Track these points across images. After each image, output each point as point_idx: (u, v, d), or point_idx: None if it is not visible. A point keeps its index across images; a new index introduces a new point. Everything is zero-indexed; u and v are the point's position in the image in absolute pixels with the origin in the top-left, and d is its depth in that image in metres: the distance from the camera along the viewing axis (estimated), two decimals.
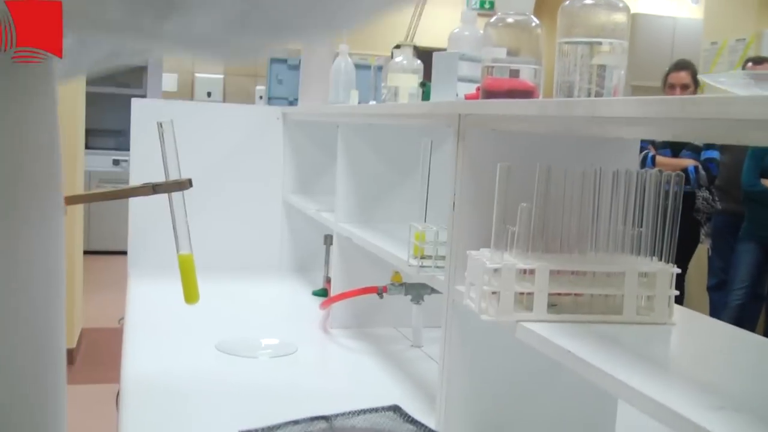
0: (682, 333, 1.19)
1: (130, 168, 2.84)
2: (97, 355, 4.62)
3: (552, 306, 1.19)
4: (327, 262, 2.52)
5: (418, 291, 1.98)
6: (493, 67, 1.36)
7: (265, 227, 2.89)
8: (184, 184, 0.97)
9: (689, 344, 1.19)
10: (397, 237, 1.84)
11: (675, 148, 4.91)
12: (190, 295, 1.08)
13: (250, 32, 0.78)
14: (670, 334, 1.17)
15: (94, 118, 6.98)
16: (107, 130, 7.70)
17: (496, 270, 1.17)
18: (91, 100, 5.40)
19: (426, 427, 0.81)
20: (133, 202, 2.84)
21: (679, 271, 1.20)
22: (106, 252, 7.08)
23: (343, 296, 2.04)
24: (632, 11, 1.11)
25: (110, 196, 1.03)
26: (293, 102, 3.54)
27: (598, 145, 1.36)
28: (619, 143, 1.38)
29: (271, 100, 3.77)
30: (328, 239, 2.48)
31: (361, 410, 0.85)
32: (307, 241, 2.86)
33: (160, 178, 2.87)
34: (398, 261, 1.65)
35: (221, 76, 8.41)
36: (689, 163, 4.85)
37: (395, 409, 0.85)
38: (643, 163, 5.03)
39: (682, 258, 5.01)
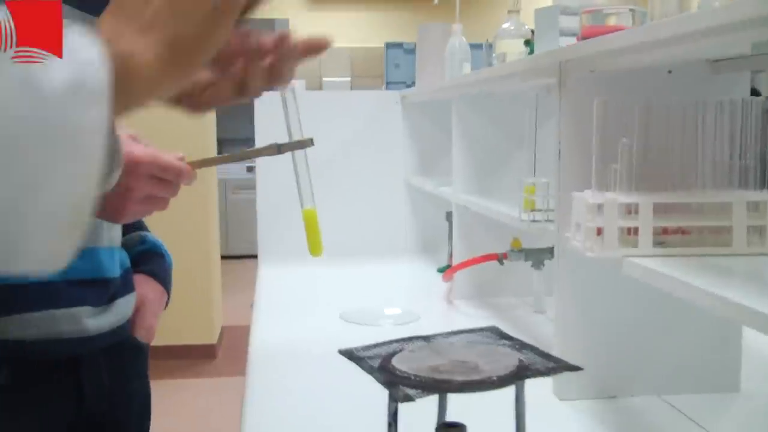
0: None
1: (257, 167, 2.92)
2: (237, 350, 4.76)
3: (659, 244, 1.17)
4: (450, 239, 2.54)
5: (537, 256, 1.97)
6: (590, 14, 1.36)
7: (389, 211, 2.93)
8: (307, 143, 1.01)
9: None
10: (512, 203, 1.85)
11: None
12: (315, 247, 1.12)
13: None
14: None
15: (227, 127, 7.19)
16: (239, 138, 7.92)
17: (599, 207, 1.17)
18: (223, 110, 5.55)
19: (521, 341, 0.82)
20: (262, 198, 2.93)
21: None
22: (243, 256, 7.28)
23: (464, 265, 2.06)
24: None
25: (236, 158, 1.08)
26: (410, 85, 3.56)
27: (704, 82, 1.34)
28: (727, 79, 1.35)
29: (389, 84, 3.81)
30: (449, 216, 2.49)
31: (459, 330, 0.87)
32: (431, 222, 2.88)
33: (285, 172, 2.95)
34: (511, 219, 1.65)
35: (348, 79, 8.54)
36: None
37: (493, 329, 0.86)
38: None
39: None
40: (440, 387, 0.73)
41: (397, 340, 0.84)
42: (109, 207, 0.98)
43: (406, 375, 0.74)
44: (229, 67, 0.82)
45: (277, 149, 0.98)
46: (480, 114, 2.18)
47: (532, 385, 1.50)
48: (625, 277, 1.38)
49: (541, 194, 1.53)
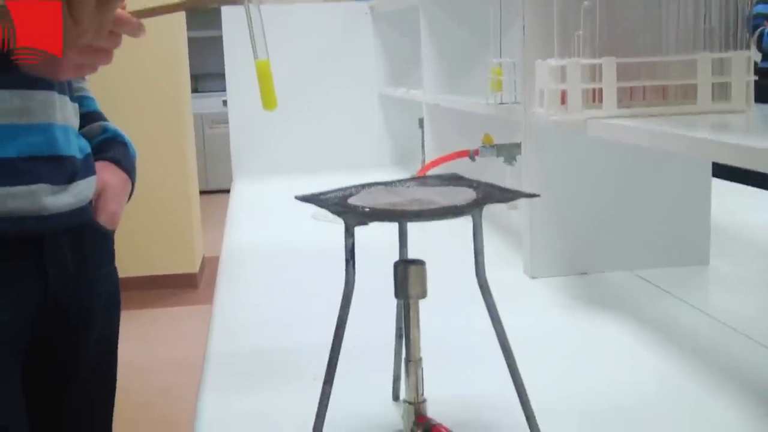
0: (762, 117, 1.15)
1: (227, 83, 2.89)
2: None
3: (624, 108, 1.16)
4: (423, 148, 2.53)
5: (509, 151, 1.96)
6: None
7: (363, 123, 2.91)
8: None
9: None
10: (481, 99, 1.84)
11: None
12: (269, 101, 1.09)
13: None
14: (749, 119, 1.13)
15: (202, 62, 7.13)
16: (215, 73, 7.86)
17: (562, 70, 1.16)
18: (198, 45, 5.50)
19: (479, 181, 0.81)
20: (234, 119, 2.91)
21: (757, 57, 1.16)
22: (223, 190, 7.29)
23: (436, 162, 2.04)
24: None
25: (186, 6, 1.04)
26: None
27: None
28: None
29: None
30: (422, 123, 2.48)
31: (419, 177, 0.86)
32: (404, 133, 2.87)
33: (255, 94, 2.91)
34: (479, 107, 1.64)
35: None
36: None
37: (453, 175, 0.85)
38: (759, 41, 4.86)
39: None
40: (395, 215, 0.72)
41: (355, 186, 0.83)
42: (46, 61, 0.95)
43: (362, 207, 0.73)
44: None
45: None
46: (448, 15, 2.16)
47: (502, 264, 1.50)
48: (594, 151, 1.39)
49: (508, 74, 1.52)
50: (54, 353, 1.19)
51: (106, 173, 1.26)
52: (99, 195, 1.23)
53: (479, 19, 2.14)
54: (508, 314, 0.81)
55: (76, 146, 1.17)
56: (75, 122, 1.19)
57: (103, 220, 1.23)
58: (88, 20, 0.74)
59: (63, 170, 1.12)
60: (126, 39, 1.01)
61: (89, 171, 1.20)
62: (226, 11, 2.83)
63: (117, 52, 1.02)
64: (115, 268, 1.30)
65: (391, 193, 0.79)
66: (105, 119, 1.36)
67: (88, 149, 1.23)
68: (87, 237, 1.20)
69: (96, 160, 1.26)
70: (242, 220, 2.15)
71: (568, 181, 1.40)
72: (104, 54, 1.00)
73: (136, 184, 1.35)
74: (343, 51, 2.88)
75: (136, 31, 0.99)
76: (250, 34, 1.03)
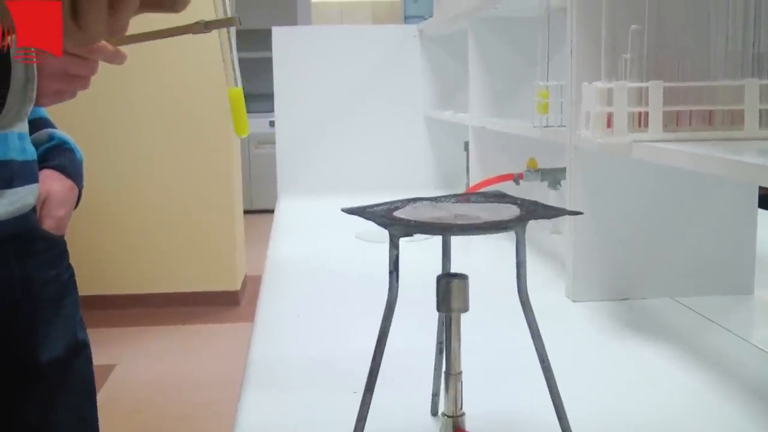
0: None
1: (275, 102, 2.93)
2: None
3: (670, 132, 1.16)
4: (468, 171, 2.53)
5: (554, 176, 1.97)
6: None
7: (408, 146, 2.92)
8: (234, 21, 0.99)
9: None
10: (527, 120, 1.84)
11: None
12: (241, 128, 1.11)
13: None
14: None
15: (250, 83, 7.20)
16: (263, 94, 7.94)
17: (609, 92, 1.16)
18: (246, 66, 5.53)
19: (524, 199, 0.82)
20: (281, 138, 2.95)
21: None
22: (267, 210, 7.35)
23: (480, 185, 2.05)
24: None
25: (162, 35, 1.05)
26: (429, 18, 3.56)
27: None
28: None
29: (407, 19, 3.79)
30: (467, 146, 2.49)
31: (465, 193, 0.87)
32: (450, 157, 2.88)
33: (302, 113, 2.91)
34: (525, 130, 1.65)
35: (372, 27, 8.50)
36: None
37: (497, 193, 0.86)
38: None
39: None
40: (440, 228, 0.73)
41: (401, 200, 0.84)
42: None
43: (407, 220, 0.74)
44: None
45: (204, 26, 0.97)
46: (496, 38, 2.17)
47: (544, 287, 1.50)
48: (638, 176, 1.38)
49: (555, 97, 1.52)
50: (8, 352, 1.21)
51: (50, 181, 1.28)
52: (43, 203, 1.26)
53: (527, 42, 2.15)
54: (549, 335, 0.81)
55: (17, 149, 1.17)
56: (20, 125, 1.21)
57: (48, 225, 1.26)
58: (99, 25, 0.73)
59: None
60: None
61: (31, 178, 1.21)
62: (277, 33, 2.87)
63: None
64: (67, 268, 1.31)
65: (436, 208, 0.80)
66: (53, 126, 1.38)
67: (34, 155, 1.24)
68: (33, 243, 1.22)
69: (41, 168, 1.28)
70: (286, 236, 2.17)
71: (612, 206, 1.40)
72: (82, 80, 1.02)
73: (83, 190, 1.37)
74: (391, 73, 2.90)
75: (114, 57, 1.00)
76: (223, 63, 1.05)
